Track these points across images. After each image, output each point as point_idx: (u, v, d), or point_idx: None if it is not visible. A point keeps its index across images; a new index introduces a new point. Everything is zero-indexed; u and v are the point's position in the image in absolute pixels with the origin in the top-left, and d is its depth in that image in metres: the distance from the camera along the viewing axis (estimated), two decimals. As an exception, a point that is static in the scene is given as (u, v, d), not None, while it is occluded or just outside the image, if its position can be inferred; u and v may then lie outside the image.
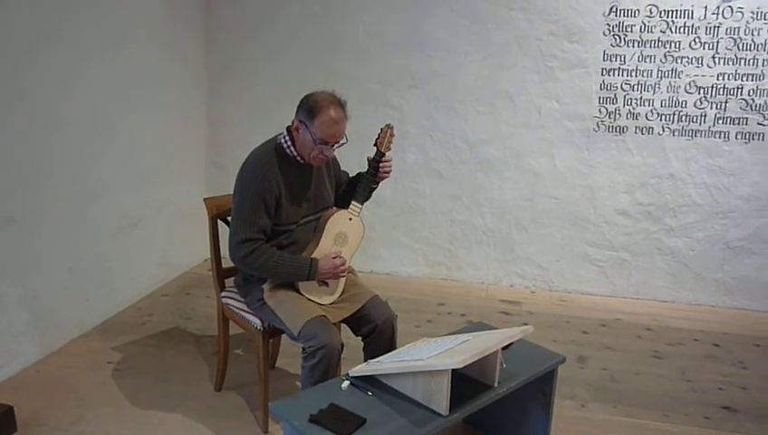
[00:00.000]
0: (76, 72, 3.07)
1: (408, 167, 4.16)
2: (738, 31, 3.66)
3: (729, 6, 3.63)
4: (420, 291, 4.07)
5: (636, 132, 3.88)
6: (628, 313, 3.86)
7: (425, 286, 4.16)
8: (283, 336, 2.64)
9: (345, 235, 2.30)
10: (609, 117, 3.89)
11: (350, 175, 2.52)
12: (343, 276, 2.28)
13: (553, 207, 4.08)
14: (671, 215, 3.96)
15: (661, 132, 3.85)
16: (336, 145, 2.19)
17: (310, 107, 2.14)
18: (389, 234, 4.28)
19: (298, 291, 2.22)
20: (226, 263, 2.42)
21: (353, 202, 2.32)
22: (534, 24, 3.85)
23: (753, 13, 3.63)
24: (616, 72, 3.82)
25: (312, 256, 2.23)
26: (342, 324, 2.39)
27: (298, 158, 2.22)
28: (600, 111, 3.89)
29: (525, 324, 3.56)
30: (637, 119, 3.86)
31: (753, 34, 3.65)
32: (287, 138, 2.21)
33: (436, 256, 4.28)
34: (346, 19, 4.05)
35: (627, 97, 3.84)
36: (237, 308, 2.44)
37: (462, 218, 4.20)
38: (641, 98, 3.83)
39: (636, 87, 3.82)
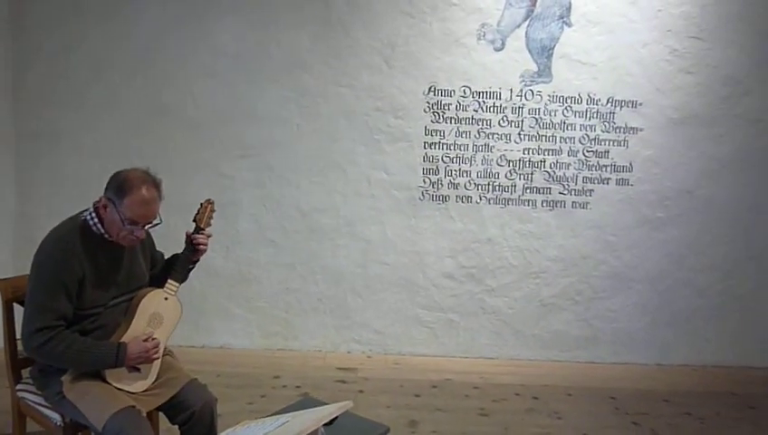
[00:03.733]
0: None
1: (241, 236, 4.10)
2: (539, 111, 4.14)
3: (530, 90, 4.11)
4: (255, 364, 3.94)
5: (457, 201, 4.18)
6: (457, 372, 4.03)
7: (260, 359, 4.04)
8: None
9: (160, 315, 2.18)
10: (433, 187, 4.16)
11: (166, 256, 2.42)
12: (156, 359, 2.15)
13: (385, 273, 4.21)
14: (491, 276, 4.26)
15: (479, 201, 4.19)
16: (149, 226, 2.09)
17: (120, 185, 2.02)
18: (222, 305, 4.14)
19: (105, 380, 2.05)
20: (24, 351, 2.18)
21: (170, 280, 2.22)
22: (362, 101, 4.06)
23: (549, 96, 4.13)
24: (437, 146, 4.12)
25: (122, 339, 2.08)
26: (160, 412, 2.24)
27: (106, 236, 2.08)
28: (424, 181, 4.15)
29: (361, 392, 3.61)
30: (457, 188, 4.16)
31: (551, 115, 4.15)
32: (93, 214, 2.08)
33: (272, 326, 4.21)
34: (173, 91, 3.98)
35: (447, 168, 4.14)
36: (34, 403, 2.19)
37: (297, 286, 4.18)
38: (460, 169, 4.15)
39: (455, 159, 4.14)
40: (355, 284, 4.21)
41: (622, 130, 4.18)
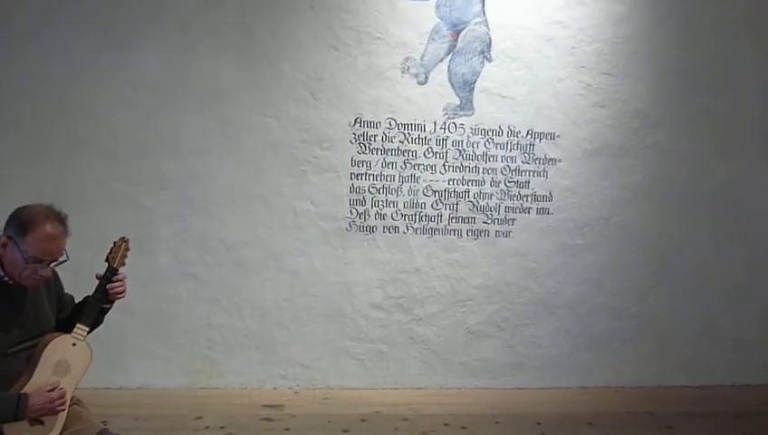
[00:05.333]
0: None
1: (160, 271, 3.94)
2: (462, 143, 4.24)
3: (453, 122, 4.20)
4: (176, 405, 3.76)
5: (384, 231, 4.19)
6: (387, 404, 3.99)
7: (181, 399, 3.86)
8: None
9: (67, 363, 2.04)
10: (360, 217, 4.16)
11: (80, 298, 2.28)
12: (62, 410, 2.00)
13: (313, 305, 4.15)
14: (419, 306, 4.28)
15: (406, 231, 4.22)
16: (54, 263, 1.98)
17: (22, 222, 1.91)
18: (140, 344, 3.94)
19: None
20: None
21: (78, 325, 2.09)
22: (287, 132, 4.03)
23: (471, 129, 4.24)
24: (363, 177, 4.14)
25: (24, 390, 1.94)
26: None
27: (6, 278, 1.95)
28: (351, 211, 4.14)
29: (287, 429, 3.52)
30: (384, 219, 4.18)
31: (473, 147, 4.26)
32: (-8, 256, 1.95)
33: (195, 363, 4.04)
34: (89, 121, 3.81)
35: (374, 199, 4.16)
36: None
37: (221, 322, 4.05)
38: (387, 200, 4.17)
39: (381, 190, 4.16)
40: (282, 317, 4.12)
41: (541, 161, 4.34)
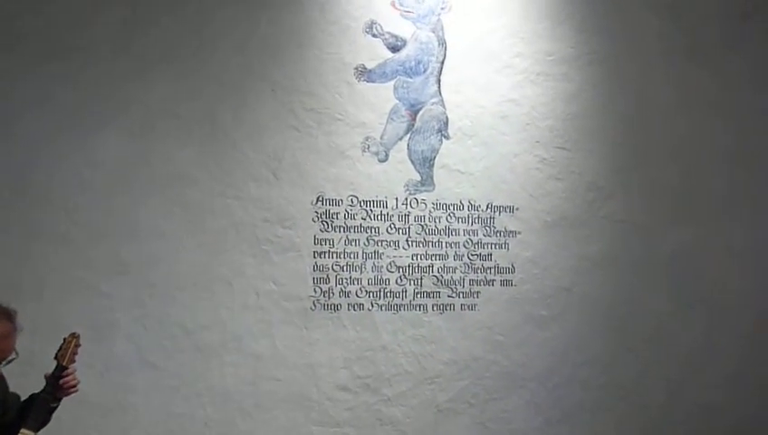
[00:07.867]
0: None
1: (117, 360, 3.75)
2: (424, 218, 4.28)
3: (415, 198, 4.26)
4: (131, 505, 3.55)
5: (349, 309, 4.13)
6: (356, 492, 3.84)
7: (137, 497, 3.65)
8: None
9: (11, 472, 1.93)
10: (324, 296, 4.10)
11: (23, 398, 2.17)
12: None
13: (277, 389, 4.01)
14: (387, 385, 4.19)
15: (370, 308, 4.17)
16: (3, 363, 1.90)
17: None
18: (94, 439, 3.74)
19: None
20: None
21: (23, 430, 1.98)
22: (249, 212, 4.00)
23: (433, 204, 4.30)
24: (326, 255, 4.11)
25: (-38, 506, 1.80)
26: None
27: (-52, 383, 1.85)
28: (314, 290, 4.09)
29: None
30: (348, 296, 4.14)
31: (435, 221, 4.31)
32: (-66, 360, 1.85)
33: (152, 457, 3.84)
34: (44, 205, 3.71)
35: (338, 277, 4.13)
36: None
37: (180, 411, 3.86)
38: (351, 277, 4.15)
39: (345, 268, 4.14)
40: (244, 403, 3.95)
41: (502, 233, 4.41)
